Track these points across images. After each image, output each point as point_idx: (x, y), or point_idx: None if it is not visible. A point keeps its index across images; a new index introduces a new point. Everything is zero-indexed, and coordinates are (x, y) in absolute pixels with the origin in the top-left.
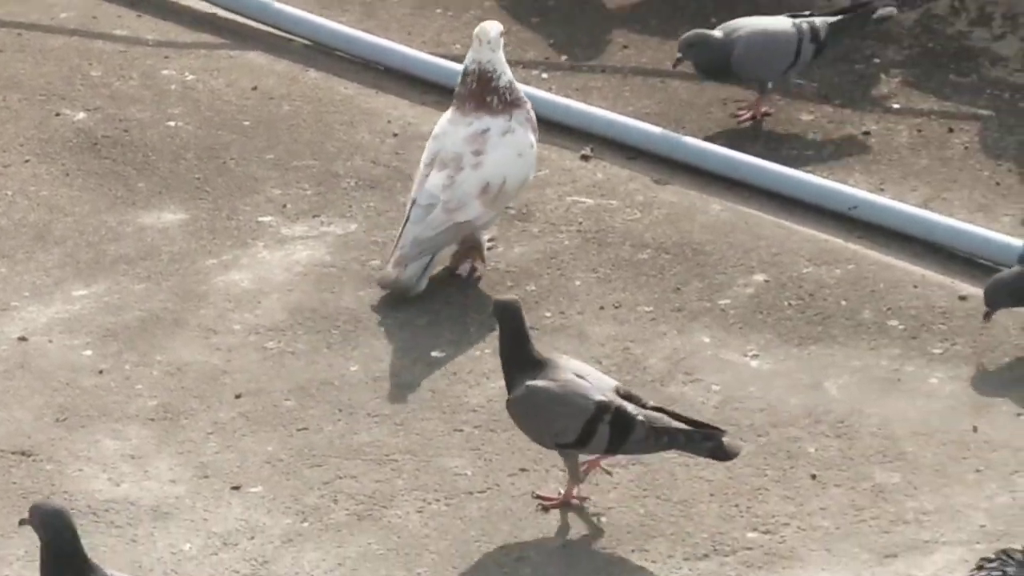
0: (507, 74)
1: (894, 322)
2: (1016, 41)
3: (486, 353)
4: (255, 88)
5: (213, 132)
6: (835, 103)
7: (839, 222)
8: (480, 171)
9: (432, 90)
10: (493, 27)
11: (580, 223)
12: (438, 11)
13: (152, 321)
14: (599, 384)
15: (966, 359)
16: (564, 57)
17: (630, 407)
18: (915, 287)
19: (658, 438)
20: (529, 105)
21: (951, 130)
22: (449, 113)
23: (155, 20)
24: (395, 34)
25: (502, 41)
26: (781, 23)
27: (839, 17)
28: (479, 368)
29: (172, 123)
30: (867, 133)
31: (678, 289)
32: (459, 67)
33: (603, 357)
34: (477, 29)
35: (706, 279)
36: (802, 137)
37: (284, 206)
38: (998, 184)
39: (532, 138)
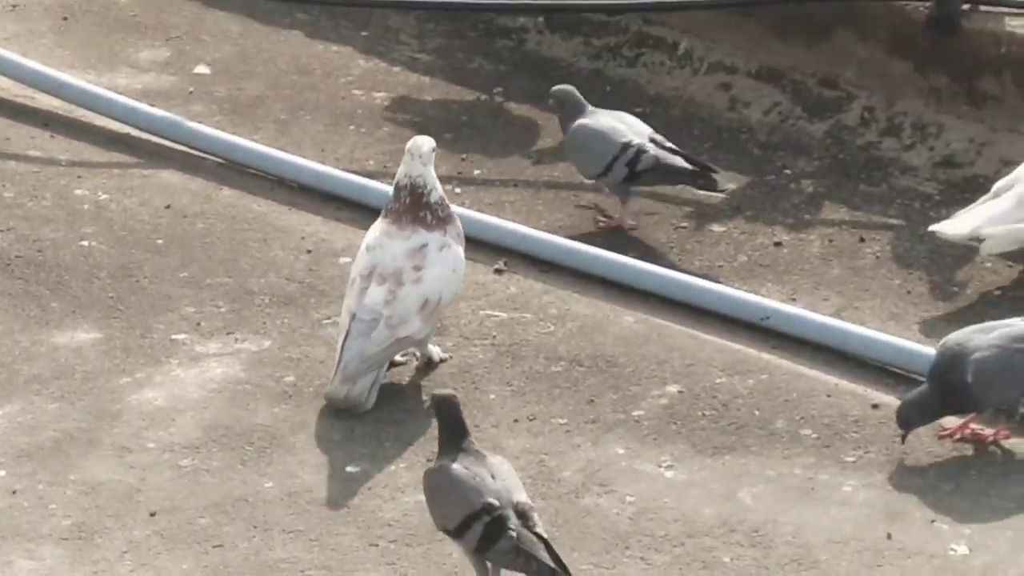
0: (438, 189)
1: (807, 431)
2: (925, 151)
3: (401, 468)
4: (168, 207)
5: (127, 251)
6: (746, 214)
7: (752, 332)
8: (420, 286)
9: (346, 206)
10: (426, 142)
11: (494, 336)
12: (351, 128)
13: (66, 440)
14: (495, 487)
15: (879, 467)
16: (477, 172)
17: (512, 521)
18: (828, 396)
19: (523, 558)
20: (458, 220)
21: (862, 240)
22: (382, 225)
23: (68, 140)
24: (308, 151)
25: (433, 156)
26: (617, 127)
27: (679, 159)
28: (394, 483)
29: (85, 243)
30: (779, 243)
31: (592, 401)
32: (372, 183)
33: (518, 470)
34: (410, 143)
35: (620, 391)
36: (714, 248)
37: (198, 324)
38: (909, 293)
39: (462, 253)
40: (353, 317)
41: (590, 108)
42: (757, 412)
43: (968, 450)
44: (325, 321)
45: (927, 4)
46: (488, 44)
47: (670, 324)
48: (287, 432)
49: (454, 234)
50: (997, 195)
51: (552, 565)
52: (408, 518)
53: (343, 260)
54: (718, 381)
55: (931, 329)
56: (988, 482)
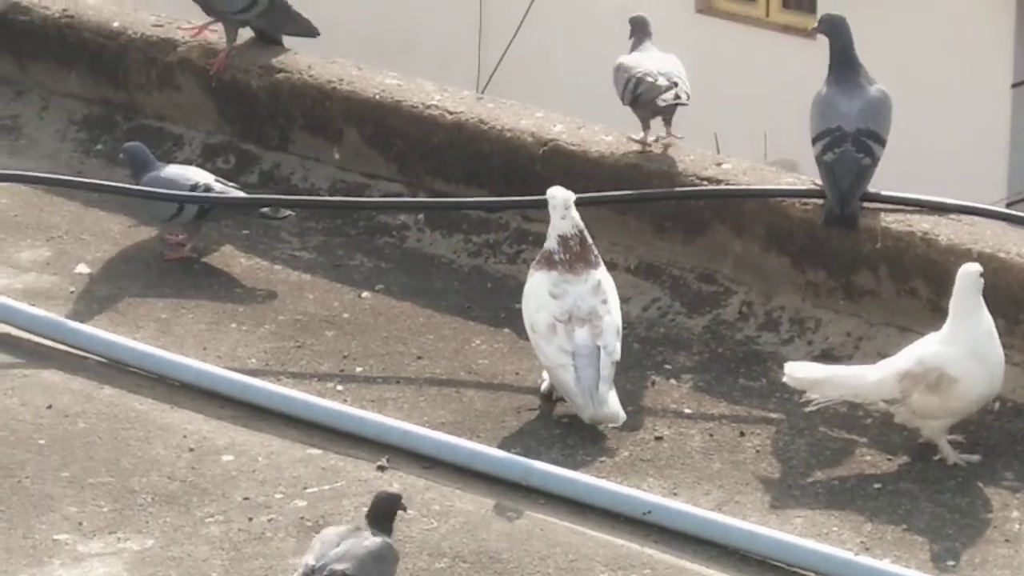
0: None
1: None
2: (803, 345)
3: None
4: (50, 407)
5: (7, 451)
6: (627, 409)
7: (634, 527)
8: (611, 316)
9: (228, 404)
10: (564, 192)
11: None
12: (233, 326)
13: None
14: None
15: None
16: (359, 369)
17: None
18: None
19: None
20: None
21: (742, 434)
22: (555, 275)
23: None
24: (190, 349)
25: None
26: (185, 174)
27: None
28: None
29: None
30: (659, 438)
31: None
32: (254, 381)
33: None
34: (556, 200)
35: None
36: (596, 443)
37: (80, 523)
38: (790, 487)
39: None
40: (574, 355)
41: (159, 163)
42: None
43: None
44: (208, 519)
45: (818, 201)
46: (369, 241)
47: (553, 520)
48: None
49: (603, 266)
50: None
51: None
52: None
53: (226, 458)
54: None
55: (812, 523)
56: None
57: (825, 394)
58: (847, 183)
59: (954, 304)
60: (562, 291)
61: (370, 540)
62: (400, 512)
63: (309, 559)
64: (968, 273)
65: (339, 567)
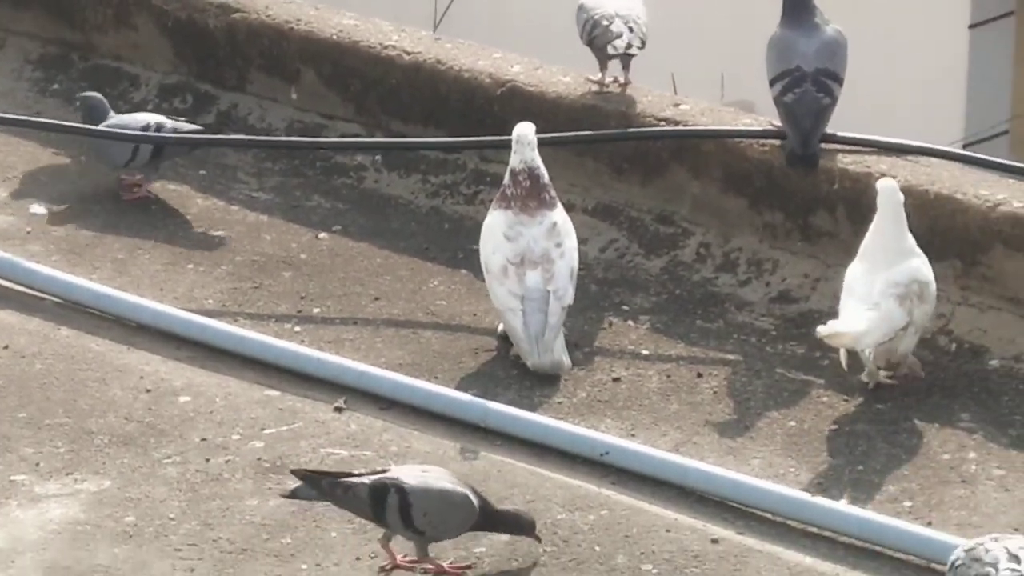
0: (545, 171)
1: (648, 566)
2: (761, 286)
3: None
4: (6, 347)
5: None
6: (584, 350)
7: (591, 468)
8: (565, 260)
9: (185, 345)
10: (530, 129)
11: None
12: (189, 267)
13: None
14: None
15: None
16: (316, 310)
17: None
18: (668, 531)
19: None
20: None
21: (700, 375)
22: (509, 214)
23: None
24: (147, 290)
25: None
26: (137, 117)
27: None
28: None
29: None
30: (617, 379)
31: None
32: (211, 322)
33: None
34: (516, 133)
35: None
36: (553, 384)
37: (37, 464)
38: (747, 428)
39: None
40: (523, 299)
41: (113, 112)
42: (598, 548)
43: None
44: (165, 460)
45: (776, 142)
46: (326, 182)
47: (511, 461)
48: (128, 572)
49: (561, 206)
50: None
51: None
52: None
53: (183, 399)
54: (559, 517)
55: (769, 464)
56: None
57: (863, 343)
58: (808, 123)
59: (891, 219)
60: (516, 233)
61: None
62: (358, 452)
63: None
64: (893, 188)
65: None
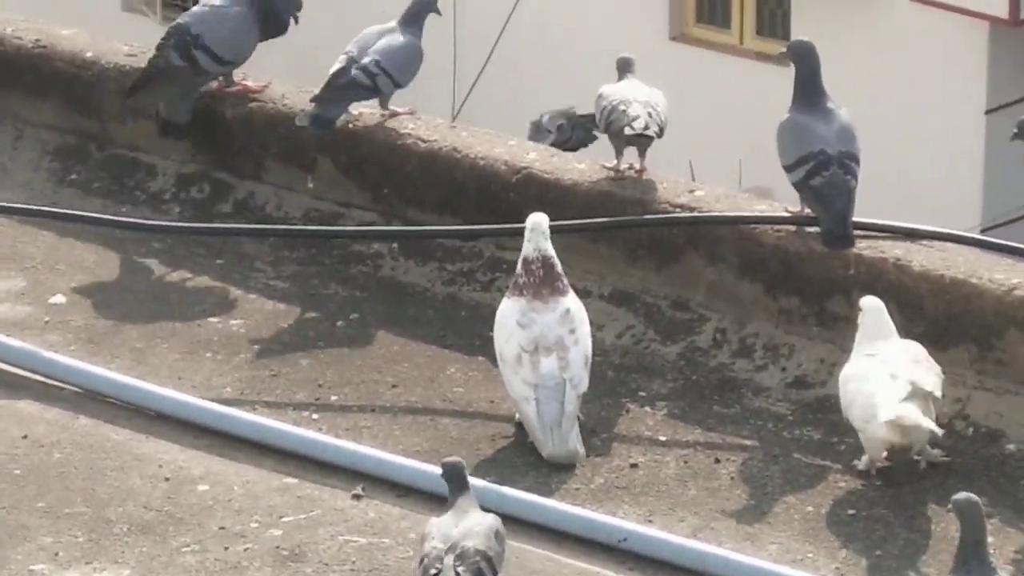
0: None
1: None
2: (777, 372)
3: None
4: (25, 437)
5: None
6: (601, 436)
7: (610, 554)
8: (580, 347)
9: (204, 434)
10: (543, 219)
11: (353, 562)
12: (207, 355)
13: None
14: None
15: None
16: (334, 397)
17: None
18: None
19: None
20: None
21: (717, 460)
22: (522, 301)
23: None
24: (166, 379)
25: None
26: None
27: None
28: None
29: None
30: (635, 465)
31: None
32: (229, 411)
33: None
34: (530, 223)
35: None
36: (571, 471)
37: (56, 554)
38: (765, 513)
39: None
40: (536, 387)
41: None
42: None
43: None
44: (184, 549)
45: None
46: (343, 270)
47: (529, 547)
48: None
49: (573, 293)
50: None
51: None
52: None
53: (201, 487)
54: None
55: (787, 550)
56: None
57: (919, 436)
58: (841, 204)
59: (881, 328)
60: (529, 320)
61: (482, 516)
62: (376, 539)
63: (432, 544)
64: (878, 304)
65: (470, 544)
